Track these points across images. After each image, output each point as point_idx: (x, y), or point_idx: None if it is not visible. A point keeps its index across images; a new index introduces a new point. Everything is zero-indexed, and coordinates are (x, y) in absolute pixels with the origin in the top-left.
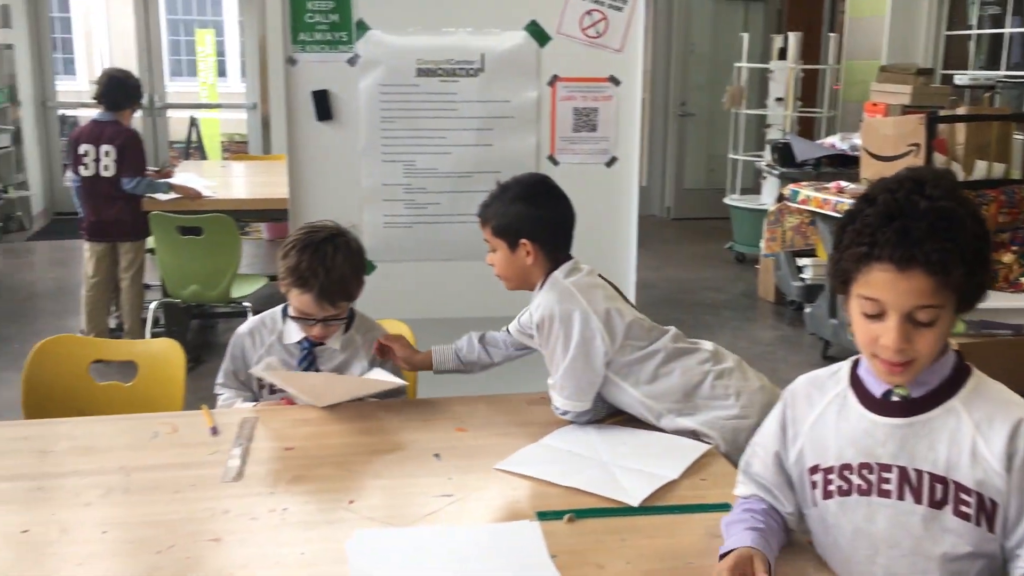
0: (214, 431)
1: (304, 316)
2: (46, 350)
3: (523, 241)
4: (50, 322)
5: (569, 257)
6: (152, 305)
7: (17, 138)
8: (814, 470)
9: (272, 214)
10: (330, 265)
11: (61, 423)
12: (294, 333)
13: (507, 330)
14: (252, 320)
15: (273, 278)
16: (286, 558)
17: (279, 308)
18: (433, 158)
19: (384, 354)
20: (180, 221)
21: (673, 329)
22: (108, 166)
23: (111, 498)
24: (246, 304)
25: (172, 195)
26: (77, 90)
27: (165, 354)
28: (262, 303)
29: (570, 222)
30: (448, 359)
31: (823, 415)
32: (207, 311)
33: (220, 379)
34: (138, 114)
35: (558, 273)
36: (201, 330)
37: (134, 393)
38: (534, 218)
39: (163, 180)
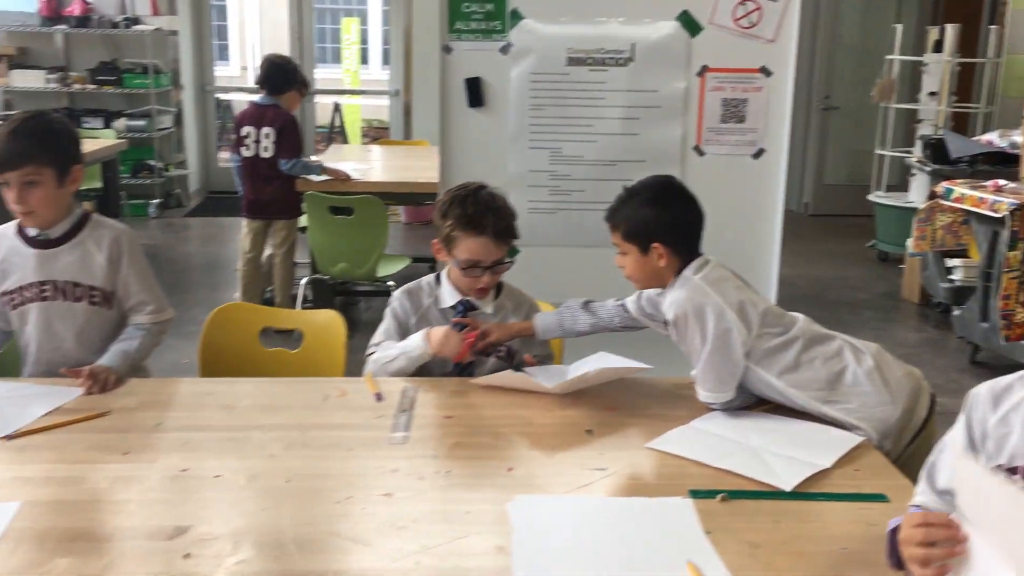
0: (379, 397)
1: (474, 264)
2: (220, 316)
3: (655, 245)
4: (204, 293)
5: (699, 254)
6: (303, 281)
7: (178, 120)
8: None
9: (413, 197)
10: (497, 205)
11: (242, 382)
12: (449, 297)
13: (623, 305)
14: (408, 285)
15: (417, 259)
16: (453, 515)
17: (432, 275)
18: (579, 146)
19: (487, 350)
20: (332, 201)
21: (802, 316)
22: (267, 147)
23: (292, 451)
24: (390, 283)
25: (324, 177)
26: (229, 75)
27: (328, 324)
28: (405, 283)
29: (700, 222)
30: (552, 326)
31: (1007, 416)
32: (350, 289)
33: (377, 339)
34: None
35: (687, 271)
36: (344, 307)
37: (299, 359)
38: (665, 221)
39: (316, 162)
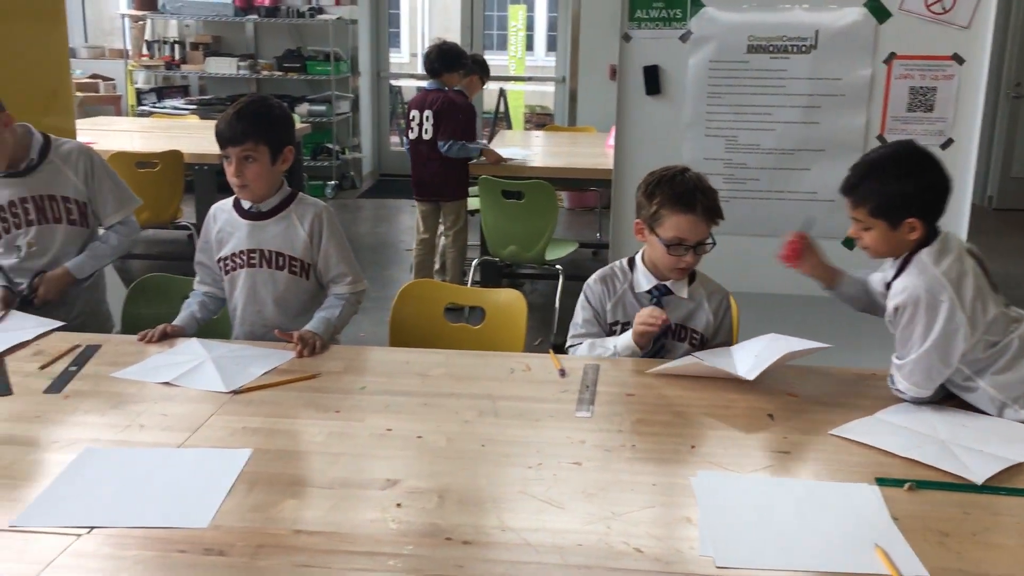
0: (562, 373)
1: (679, 243)
2: (409, 292)
3: (909, 220)
4: (376, 272)
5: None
6: (473, 263)
7: (355, 105)
8: None
9: (579, 183)
10: (704, 185)
11: (433, 353)
12: (645, 281)
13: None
14: (602, 270)
15: (584, 245)
16: (640, 486)
17: (623, 261)
18: (756, 134)
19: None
20: (504, 185)
21: None
22: (428, 130)
23: (484, 419)
24: (557, 267)
25: (482, 159)
26: (400, 62)
27: (510, 303)
28: (572, 267)
29: (949, 188)
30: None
31: None
32: (516, 271)
33: (578, 330)
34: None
35: (927, 257)
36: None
37: (482, 335)
38: (919, 195)
39: (475, 144)
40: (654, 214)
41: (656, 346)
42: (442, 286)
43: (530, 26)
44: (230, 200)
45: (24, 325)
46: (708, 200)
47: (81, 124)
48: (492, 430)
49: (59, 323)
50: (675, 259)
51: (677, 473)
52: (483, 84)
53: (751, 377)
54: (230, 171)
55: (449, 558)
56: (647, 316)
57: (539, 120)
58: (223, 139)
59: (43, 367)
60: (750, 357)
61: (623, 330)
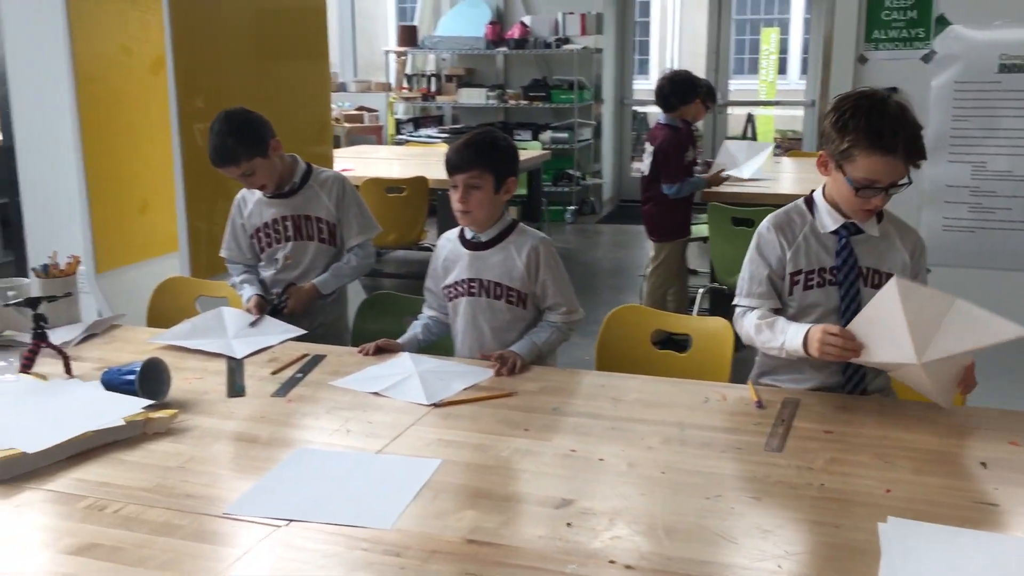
0: (759, 405)
1: (869, 185)
2: (617, 316)
3: None
4: (610, 296)
5: None
6: (700, 291)
7: (597, 132)
8: None
9: None
10: (908, 119)
11: (631, 378)
12: (829, 221)
13: None
14: (775, 216)
15: None
16: (821, 527)
17: (799, 201)
18: (1009, 160)
19: None
20: (734, 212)
21: None
22: (647, 166)
23: (669, 446)
24: None
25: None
26: (647, 88)
27: (717, 331)
28: None
29: None
30: None
31: None
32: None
33: (746, 288)
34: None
35: None
36: None
37: (687, 362)
38: None
39: (699, 177)
40: (845, 151)
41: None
42: (649, 312)
43: (784, 48)
44: (456, 230)
45: (273, 330)
46: (912, 139)
47: (344, 152)
48: (675, 458)
49: (302, 331)
50: (862, 201)
51: (865, 517)
52: (707, 110)
53: (943, 403)
54: (455, 197)
55: None
56: (838, 342)
57: (788, 145)
58: (451, 166)
59: (274, 372)
60: (928, 329)
61: (806, 281)
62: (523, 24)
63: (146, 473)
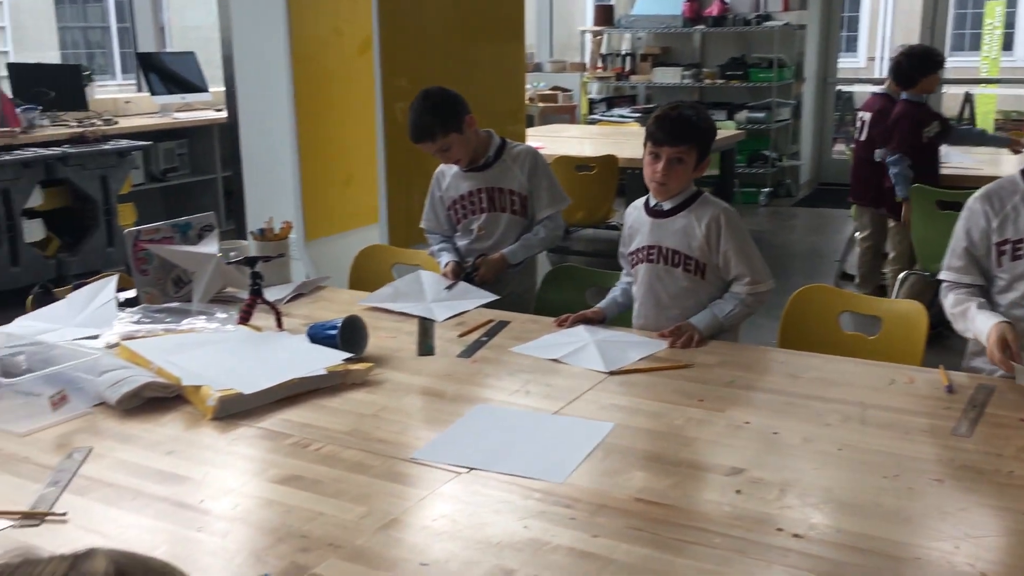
0: (950, 389)
1: None
2: (803, 296)
3: None
4: (800, 280)
5: None
6: (899, 276)
7: (796, 112)
8: None
9: None
10: None
11: (812, 356)
12: None
13: None
14: (987, 188)
15: None
16: (1007, 513)
17: (1015, 173)
18: None
19: None
20: (940, 195)
21: None
22: (863, 133)
23: (848, 424)
24: None
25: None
26: (855, 67)
27: (910, 315)
28: None
29: None
30: None
31: None
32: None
33: (952, 261)
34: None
35: None
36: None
37: (875, 345)
38: None
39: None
40: None
41: None
42: (839, 292)
43: (1009, 23)
44: (643, 198)
45: (469, 295)
46: None
47: (536, 131)
48: (853, 436)
49: (495, 296)
50: None
51: None
52: (937, 81)
53: None
54: (656, 167)
55: (774, 547)
56: (997, 358)
57: (1011, 127)
58: (659, 138)
59: (462, 335)
60: None
61: (1014, 251)
62: (722, 1)
63: (344, 418)
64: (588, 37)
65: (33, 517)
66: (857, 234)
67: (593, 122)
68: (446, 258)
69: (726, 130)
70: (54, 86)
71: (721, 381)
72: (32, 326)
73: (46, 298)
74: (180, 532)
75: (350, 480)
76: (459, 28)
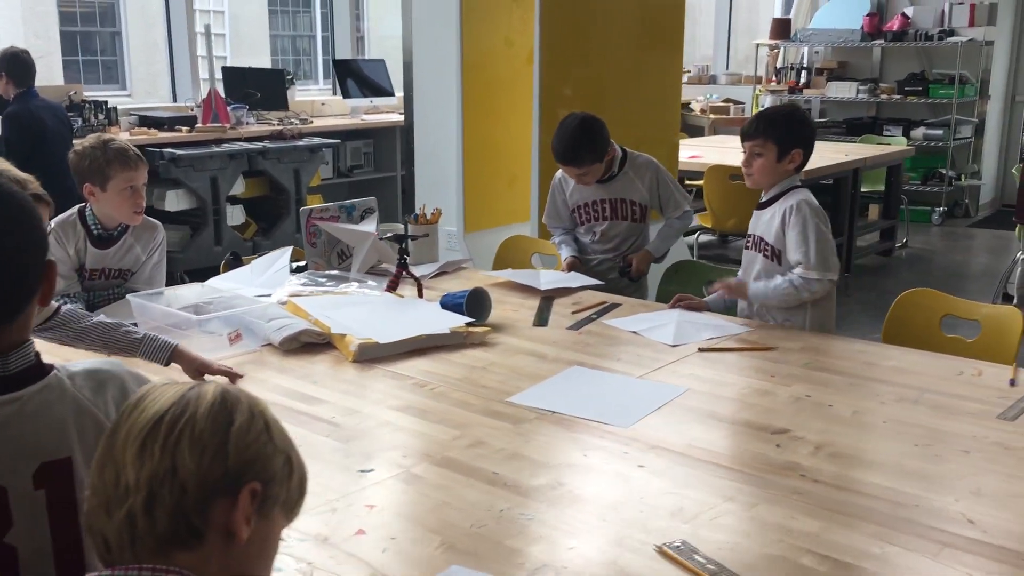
0: (1012, 383)
1: None
2: (908, 299)
3: None
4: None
5: None
6: None
7: (979, 130)
8: None
9: None
10: None
11: (890, 348)
12: None
13: None
14: None
15: None
16: (1017, 483)
17: None
18: None
19: None
20: None
21: None
22: None
23: (901, 404)
24: None
25: None
26: None
27: (1005, 318)
28: None
29: None
30: None
31: None
32: None
33: None
34: None
35: None
36: None
37: (972, 349)
38: None
39: None
40: None
41: None
42: (941, 296)
43: None
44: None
45: (576, 281)
46: None
47: (700, 141)
48: (902, 413)
49: (600, 282)
50: None
51: None
52: None
53: None
54: (742, 161)
55: (790, 487)
56: None
57: None
58: (741, 134)
59: (575, 312)
60: None
61: None
62: (904, 15)
63: (458, 369)
64: (764, 51)
65: None
66: (1020, 254)
67: None
68: (566, 252)
69: (895, 145)
70: (260, 88)
71: (798, 363)
72: (223, 284)
73: (235, 263)
74: (311, 436)
75: (452, 412)
76: (622, 38)
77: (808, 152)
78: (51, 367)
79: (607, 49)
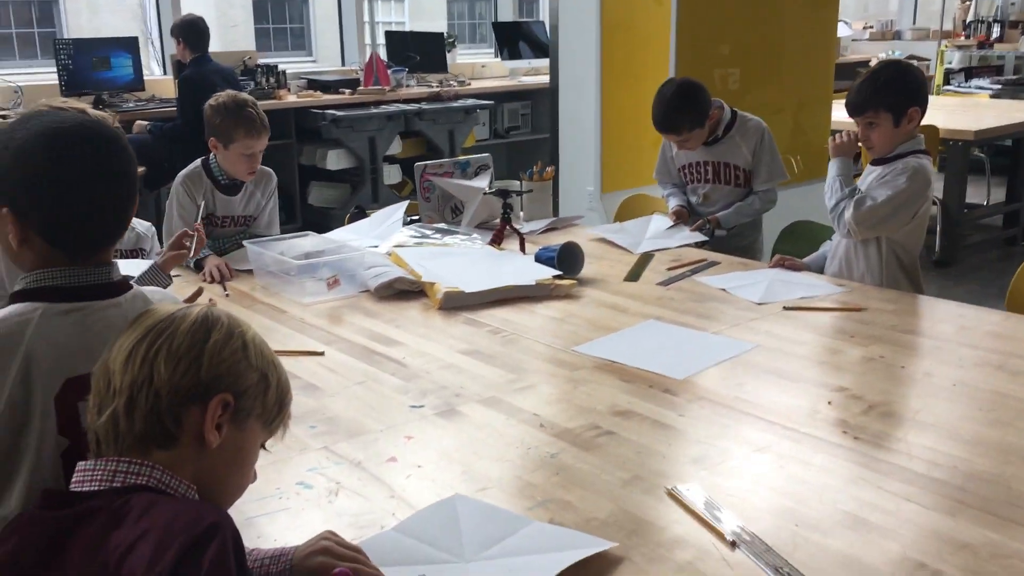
0: None
1: None
2: None
3: None
4: None
5: None
6: None
7: None
8: None
9: None
10: None
11: (994, 313)
12: None
13: None
14: None
15: None
16: None
17: None
18: None
19: None
20: None
21: None
22: None
23: (979, 368)
24: None
25: None
26: None
27: None
28: None
29: None
30: None
31: None
32: None
33: None
34: None
35: None
36: None
37: None
38: None
39: None
40: None
41: None
42: None
43: None
44: None
45: (677, 236)
46: None
47: None
48: (976, 377)
49: (705, 238)
50: None
51: None
52: None
53: None
54: (860, 136)
55: (826, 443)
56: None
57: None
58: (849, 110)
59: (670, 269)
60: None
61: None
62: None
63: (536, 319)
64: (956, 2)
65: (314, 354)
66: None
67: (946, 92)
68: (674, 202)
69: None
70: (421, 51)
71: (885, 325)
72: (341, 235)
73: (359, 216)
74: (379, 374)
75: (515, 357)
76: None
77: (924, 106)
78: (131, 284)
79: (751, 6)
